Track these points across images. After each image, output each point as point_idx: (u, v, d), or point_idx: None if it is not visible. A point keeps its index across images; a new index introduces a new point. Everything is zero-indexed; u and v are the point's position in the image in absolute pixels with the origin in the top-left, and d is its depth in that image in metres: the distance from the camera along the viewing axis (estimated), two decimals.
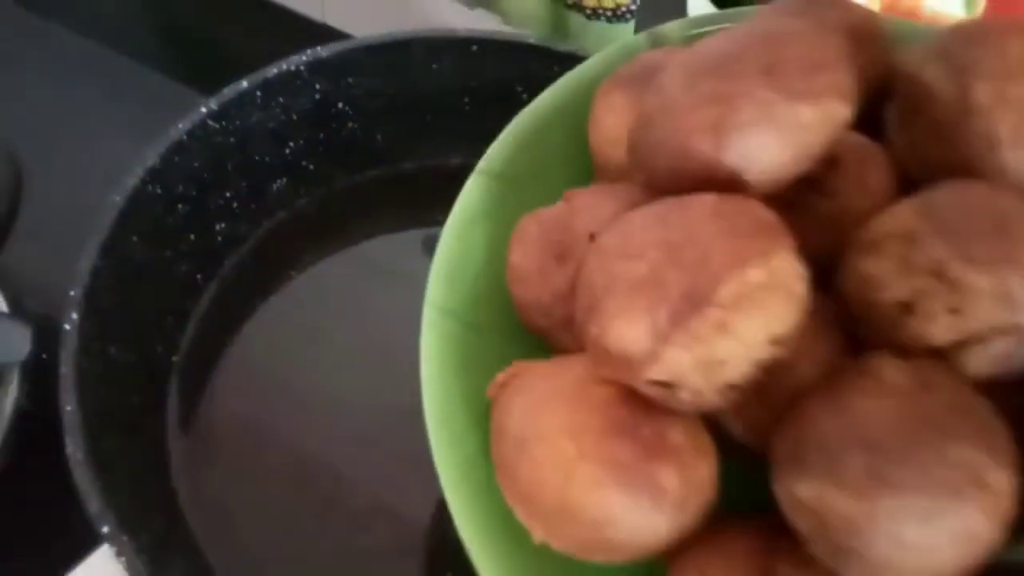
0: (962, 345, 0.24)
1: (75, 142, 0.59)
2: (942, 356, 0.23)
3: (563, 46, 0.52)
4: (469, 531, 0.27)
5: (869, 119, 0.29)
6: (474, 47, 0.52)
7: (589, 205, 0.28)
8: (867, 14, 0.31)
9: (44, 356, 0.46)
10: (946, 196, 0.24)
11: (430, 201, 0.55)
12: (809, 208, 0.27)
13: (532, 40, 0.52)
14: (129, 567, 0.35)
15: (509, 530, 0.26)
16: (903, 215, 0.24)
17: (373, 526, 0.44)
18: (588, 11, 0.67)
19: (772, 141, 0.24)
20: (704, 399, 0.24)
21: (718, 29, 0.33)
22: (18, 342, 0.45)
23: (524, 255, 0.29)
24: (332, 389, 0.48)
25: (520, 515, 0.26)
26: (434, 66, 0.52)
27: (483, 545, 0.27)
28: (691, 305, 0.22)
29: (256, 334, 0.50)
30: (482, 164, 0.32)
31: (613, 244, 0.24)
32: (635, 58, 0.33)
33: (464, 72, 0.52)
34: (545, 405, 0.25)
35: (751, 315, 0.23)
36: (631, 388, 0.24)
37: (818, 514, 0.22)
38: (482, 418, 0.27)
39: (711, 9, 0.57)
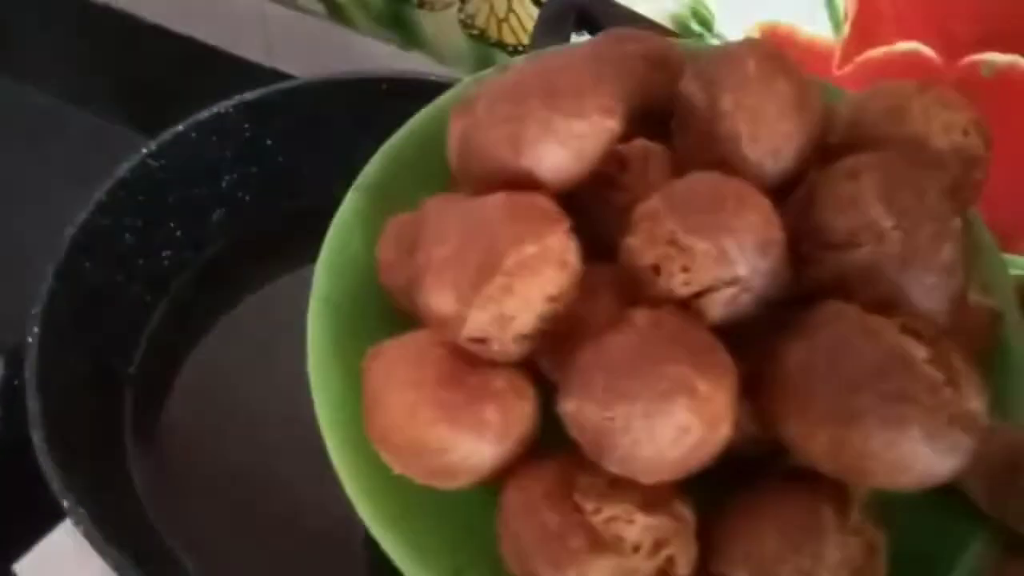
0: (699, 296, 0.30)
1: (29, 186, 0.65)
2: (686, 306, 0.30)
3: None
4: (346, 475, 0.33)
5: (667, 129, 0.36)
6: (384, 85, 0.58)
7: (433, 209, 0.34)
8: (664, 43, 0.38)
9: (16, 383, 0.52)
10: (682, 184, 0.31)
11: None
12: (607, 200, 0.34)
13: (433, 77, 0.59)
14: (87, 535, 0.41)
15: (379, 470, 0.31)
16: (652, 201, 0.30)
17: (311, 506, 0.50)
18: (510, 48, 0.74)
19: (554, 149, 0.31)
20: (508, 349, 0.30)
21: None
22: None
23: (387, 250, 0.35)
24: (272, 394, 0.55)
25: (382, 454, 0.31)
26: (349, 103, 0.59)
27: (358, 484, 0.33)
28: (483, 274, 0.29)
29: (203, 349, 0.57)
30: (358, 181, 0.38)
31: (430, 233, 0.31)
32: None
33: (377, 107, 0.59)
34: (395, 365, 0.31)
35: (529, 280, 0.29)
36: (460, 347, 0.30)
37: (580, 423, 0.29)
38: (358, 386, 0.32)
39: None
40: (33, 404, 0.44)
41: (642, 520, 0.29)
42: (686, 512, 0.30)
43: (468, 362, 0.30)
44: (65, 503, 0.42)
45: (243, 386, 0.55)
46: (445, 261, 0.30)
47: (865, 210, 0.30)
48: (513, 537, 0.30)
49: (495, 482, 0.31)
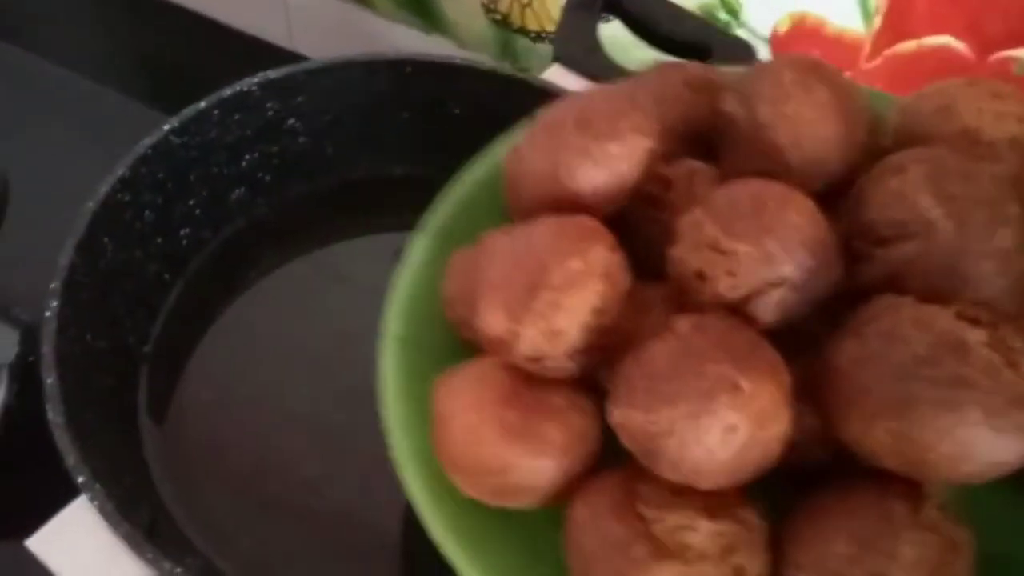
0: (749, 299, 0.30)
1: (51, 162, 0.65)
2: (735, 311, 0.30)
3: (486, 64, 0.58)
4: (420, 499, 0.34)
5: (714, 151, 0.36)
6: (408, 68, 0.58)
7: (489, 239, 0.35)
8: (705, 69, 0.39)
9: (31, 359, 0.51)
10: (723, 192, 0.31)
11: (376, 208, 0.62)
12: (655, 220, 0.35)
13: (458, 60, 0.58)
14: (102, 511, 0.41)
15: (452, 495, 0.33)
16: (694, 211, 0.31)
17: (320, 487, 0.50)
18: (532, 34, 0.74)
19: (592, 171, 0.33)
20: (562, 365, 0.31)
21: None
22: (5, 344, 0.51)
23: (451, 285, 0.36)
24: (286, 375, 0.54)
25: (451, 477, 0.32)
26: (373, 85, 0.58)
27: (431, 508, 0.34)
28: (531, 291, 0.30)
29: (220, 329, 0.56)
30: (423, 226, 0.40)
31: (485, 260, 0.32)
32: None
33: (400, 90, 0.59)
34: (458, 391, 0.32)
35: (576, 294, 0.30)
36: (520, 368, 0.31)
37: (628, 431, 0.29)
38: (428, 415, 0.33)
39: (624, 34, 0.63)
40: (50, 379, 0.44)
41: (706, 526, 0.28)
42: (754, 519, 0.30)
43: (528, 383, 0.32)
44: (80, 479, 0.41)
45: (258, 367, 0.55)
46: (496, 283, 0.31)
47: (913, 201, 0.30)
48: (579, 550, 0.30)
49: (563, 499, 0.32)
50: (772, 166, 0.33)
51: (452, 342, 0.36)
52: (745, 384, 0.27)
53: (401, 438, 0.35)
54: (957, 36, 0.59)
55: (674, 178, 0.35)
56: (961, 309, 0.28)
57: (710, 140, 0.36)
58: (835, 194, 0.33)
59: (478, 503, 0.32)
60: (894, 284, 0.30)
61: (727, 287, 0.30)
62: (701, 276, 0.30)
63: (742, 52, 0.59)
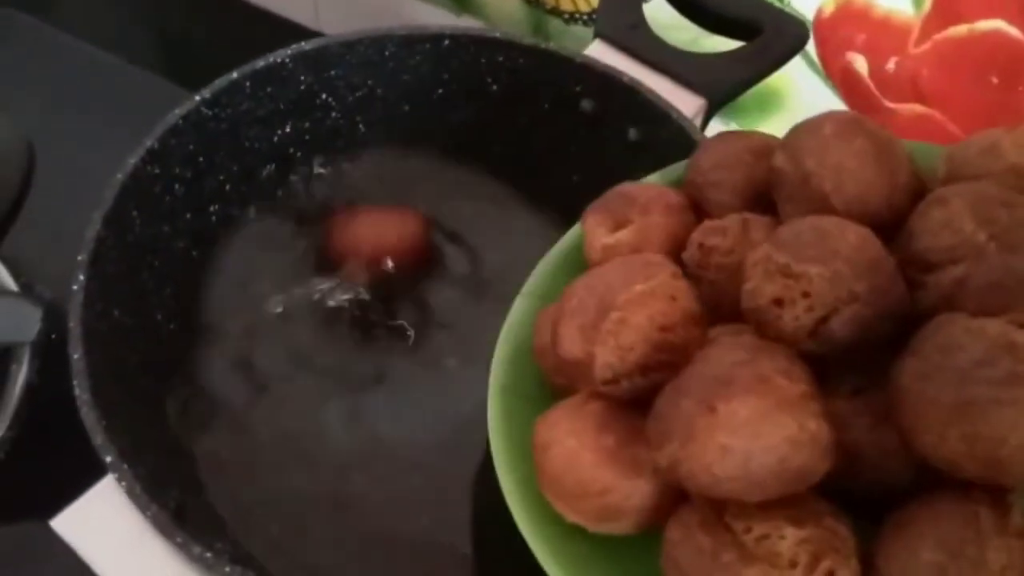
0: (827, 318, 0.32)
1: (75, 140, 0.65)
2: (814, 334, 0.32)
3: (527, 39, 0.56)
4: (524, 526, 0.36)
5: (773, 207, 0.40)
6: (446, 41, 0.56)
7: (569, 288, 0.37)
8: (764, 136, 0.43)
9: (53, 337, 0.50)
10: (785, 228, 0.34)
11: (407, 187, 0.60)
12: (718, 267, 0.38)
13: (498, 34, 0.56)
14: (129, 492, 0.40)
15: (554, 523, 0.35)
16: (761, 247, 0.34)
17: (347, 473, 0.49)
18: (565, 15, 0.72)
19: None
20: (637, 383, 0.33)
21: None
22: (28, 322, 0.50)
23: (540, 337, 0.40)
24: (313, 353, 0.53)
25: (554, 504, 0.35)
26: (409, 59, 0.57)
27: (535, 534, 0.36)
28: (601, 313, 0.33)
29: (247, 309, 0.54)
30: (524, 288, 0.44)
31: (564, 297, 0.35)
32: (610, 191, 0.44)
33: (437, 64, 0.57)
34: (557, 423, 0.35)
35: (640, 312, 0.33)
36: (610, 399, 0.34)
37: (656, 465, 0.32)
38: (530, 453, 0.36)
39: (667, 9, 0.61)
40: (76, 354, 0.42)
41: (793, 533, 0.29)
42: (841, 528, 0.30)
43: (619, 412, 0.34)
44: (108, 458, 0.40)
45: (286, 347, 0.53)
46: (572, 311, 0.34)
47: (958, 228, 0.33)
48: (674, 566, 0.31)
49: (658, 521, 0.33)
50: (820, 210, 0.35)
51: (545, 389, 0.40)
52: (720, 405, 0.29)
53: (506, 471, 0.37)
54: (1010, 21, 0.57)
55: (727, 226, 0.38)
56: (1012, 318, 0.29)
57: (772, 199, 0.40)
58: (886, 233, 0.35)
59: (579, 531, 0.34)
60: (947, 306, 0.31)
61: (804, 308, 0.32)
62: (778, 302, 0.32)
63: (795, 29, 0.57)
